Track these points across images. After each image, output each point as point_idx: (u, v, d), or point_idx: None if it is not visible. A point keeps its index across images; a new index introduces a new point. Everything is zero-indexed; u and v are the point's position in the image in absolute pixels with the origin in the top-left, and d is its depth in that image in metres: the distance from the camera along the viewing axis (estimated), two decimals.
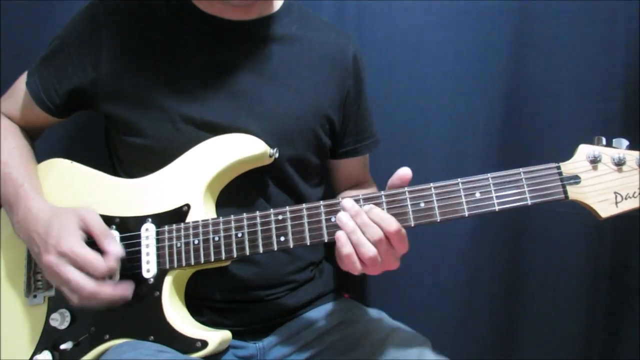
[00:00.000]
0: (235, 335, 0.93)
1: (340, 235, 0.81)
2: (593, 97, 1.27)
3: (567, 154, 0.83)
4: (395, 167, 0.88)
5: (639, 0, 1.23)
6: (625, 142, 0.81)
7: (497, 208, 0.81)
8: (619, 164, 0.80)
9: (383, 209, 0.82)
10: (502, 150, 1.30)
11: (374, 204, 0.83)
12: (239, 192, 0.96)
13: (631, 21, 1.24)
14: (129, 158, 1.00)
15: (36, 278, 0.95)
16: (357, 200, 0.83)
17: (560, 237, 1.32)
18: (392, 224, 0.80)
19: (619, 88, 1.26)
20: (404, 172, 0.84)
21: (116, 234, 0.92)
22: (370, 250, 0.80)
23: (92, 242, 0.88)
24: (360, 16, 1.29)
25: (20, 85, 1.02)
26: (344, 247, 0.80)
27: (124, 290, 0.87)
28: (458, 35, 1.28)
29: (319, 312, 1.02)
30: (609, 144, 0.81)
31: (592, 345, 1.35)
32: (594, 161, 0.81)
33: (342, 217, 0.82)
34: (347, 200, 0.83)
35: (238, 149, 0.92)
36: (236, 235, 0.88)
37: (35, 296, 0.95)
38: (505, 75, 1.29)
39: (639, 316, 1.33)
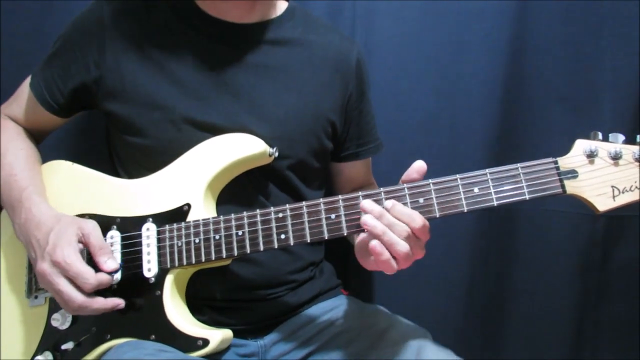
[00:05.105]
0: (236, 334, 0.93)
1: (375, 245, 0.79)
2: (590, 97, 1.28)
3: (565, 152, 0.83)
4: (394, 167, 0.88)
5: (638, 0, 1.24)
6: (621, 137, 0.82)
7: (495, 203, 0.82)
8: (616, 157, 0.80)
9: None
10: (502, 151, 1.31)
11: (375, 200, 0.83)
12: (239, 191, 0.96)
13: (628, 21, 1.25)
14: (129, 158, 1.00)
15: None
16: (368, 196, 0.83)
17: (554, 236, 1.33)
18: (416, 219, 0.80)
19: (616, 89, 1.27)
20: (420, 165, 0.84)
21: (117, 234, 0.92)
22: (403, 247, 0.80)
23: None
24: (358, 17, 1.29)
25: (25, 88, 1.03)
26: (382, 254, 0.80)
27: (116, 302, 0.87)
28: (457, 36, 1.29)
29: (319, 309, 1.03)
30: (605, 139, 0.82)
31: (583, 345, 1.36)
32: (591, 155, 0.81)
33: (369, 221, 0.80)
34: (366, 202, 0.82)
35: (238, 148, 0.93)
36: (237, 233, 0.88)
37: (36, 297, 0.95)
38: (504, 75, 1.29)
39: (629, 316, 1.34)
